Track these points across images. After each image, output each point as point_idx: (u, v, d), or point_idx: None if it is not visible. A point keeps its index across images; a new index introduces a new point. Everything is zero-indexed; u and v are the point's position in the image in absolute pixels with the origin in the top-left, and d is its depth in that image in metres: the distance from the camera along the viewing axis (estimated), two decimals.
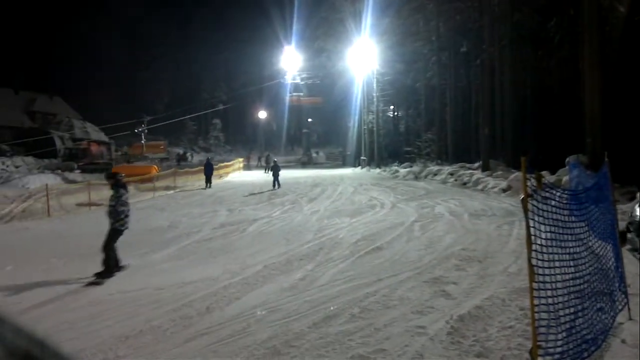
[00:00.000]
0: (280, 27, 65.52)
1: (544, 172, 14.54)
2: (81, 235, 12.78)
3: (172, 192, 24.62)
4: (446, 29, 34.45)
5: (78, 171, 35.82)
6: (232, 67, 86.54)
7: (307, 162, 62.55)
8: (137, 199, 21.74)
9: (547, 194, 4.38)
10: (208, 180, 26.85)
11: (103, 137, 47.67)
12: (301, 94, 64.04)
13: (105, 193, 21.57)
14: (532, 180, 3.76)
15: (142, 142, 50.68)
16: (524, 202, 3.51)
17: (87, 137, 46.45)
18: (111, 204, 8.47)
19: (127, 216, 8.49)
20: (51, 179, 28.38)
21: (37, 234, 13.59)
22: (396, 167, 35.92)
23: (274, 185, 24.85)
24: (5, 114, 51.39)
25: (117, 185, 8.63)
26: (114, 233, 8.35)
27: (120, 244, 8.50)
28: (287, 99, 64.94)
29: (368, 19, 40.02)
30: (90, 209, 18.97)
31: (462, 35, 33.08)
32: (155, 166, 29.24)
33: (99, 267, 8.71)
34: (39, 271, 8.78)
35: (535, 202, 3.92)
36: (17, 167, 35.23)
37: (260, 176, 35.35)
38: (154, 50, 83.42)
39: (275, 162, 29.05)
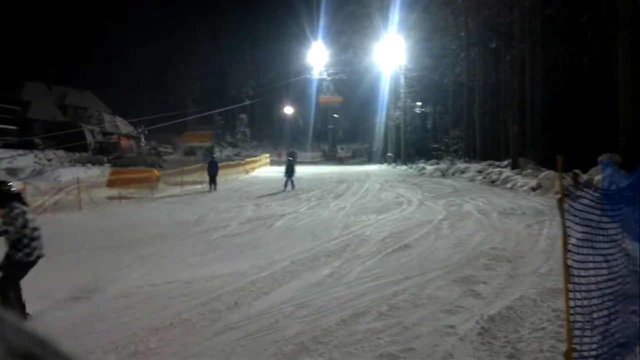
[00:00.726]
0: (307, 23, 65.47)
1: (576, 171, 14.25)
2: (112, 228, 13.01)
3: (199, 186, 24.83)
4: (475, 24, 34.00)
5: (108, 165, 36.40)
6: (259, 62, 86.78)
7: (332, 158, 62.61)
8: (166, 193, 22.08)
9: (582, 194, 4.27)
10: (212, 182, 22.89)
11: (132, 131, 48.35)
12: (327, 94, 64.50)
13: (136, 186, 22.01)
14: (568, 179, 3.66)
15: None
16: (560, 201, 3.42)
17: (116, 131, 47.16)
18: (2, 227, 5.92)
19: (33, 240, 6.11)
20: (82, 172, 28.92)
21: (68, 226, 13.85)
22: (423, 164, 35.65)
23: (285, 185, 21.71)
24: (38, 108, 52.59)
25: (7, 199, 6.05)
26: (15, 268, 5.98)
27: (151, 237, 8.60)
28: (316, 97, 65.57)
29: (396, 14, 39.82)
30: (120, 202, 19.29)
31: (491, 30, 32.58)
32: (156, 170, 25.35)
33: (130, 259, 8.86)
34: (71, 262, 8.96)
35: (569, 202, 3.82)
36: (49, 160, 36.00)
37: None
38: (183, 46, 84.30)
39: (291, 155, 28.52)
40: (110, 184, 21.99)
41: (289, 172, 22.07)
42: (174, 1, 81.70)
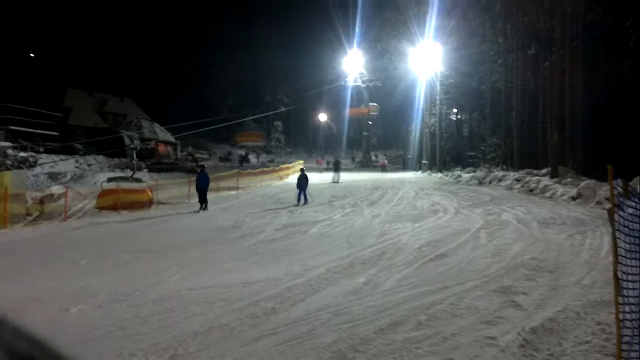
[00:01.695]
0: (343, 30, 65.64)
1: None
2: (150, 232, 13.24)
3: (234, 192, 25.12)
4: (514, 30, 33.48)
5: (146, 170, 37.13)
6: (293, 70, 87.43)
7: (366, 165, 62.57)
8: None
9: (627, 203, 4.16)
10: (202, 200, 18.81)
11: (170, 137, 49.25)
12: (358, 106, 65.03)
13: (171, 192, 22.38)
14: (618, 188, 3.57)
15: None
16: (610, 211, 3.34)
17: (154, 137, 48.10)
18: None
19: None
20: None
21: (108, 230, 14.18)
22: (459, 172, 35.24)
23: (298, 200, 19.44)
24: (79, 115, 54.16)
25: None
26: None
27: (188, 242, 8.72)
28: (350, 105, 65.92)
29: (433, 20, 39.57)
30: (157, 208, 19.61)
31: (530, 36, 32.01)
32: (149, 190, 20.15)
33: (168, 263, 9.02)
34: (111, 265, 9.16)
35: (617, 212, 3.72)
36: (89, 165, 36.93)
37: (322, 178, 35.56)
38: (219, 54, 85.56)
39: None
40: (100, 205, 18.65)
41: (302, 185, 19.71)
42: (210, 9, 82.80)
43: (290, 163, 44.92)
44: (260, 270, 8.40)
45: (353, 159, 73.62)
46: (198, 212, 18.08)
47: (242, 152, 70.06)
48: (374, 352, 4.78)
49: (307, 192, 19.69)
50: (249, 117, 71.16)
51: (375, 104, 64.32)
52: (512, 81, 34.30)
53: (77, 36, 66.05)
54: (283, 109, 75.31)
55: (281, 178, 34.96)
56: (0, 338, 0.82)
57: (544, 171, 26.22)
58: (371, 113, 65.30)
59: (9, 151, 30.46)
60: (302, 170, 20.82)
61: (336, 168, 32.94)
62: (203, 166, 21.69)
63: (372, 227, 13.13)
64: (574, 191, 19.03)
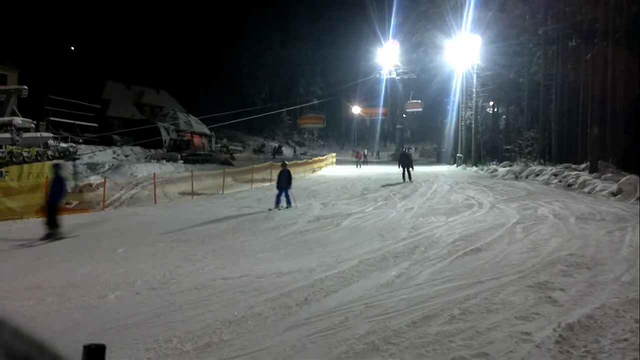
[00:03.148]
0: (378, 22, 65.24)
1: None
2: (184, 222, 13.46)
3: (267, 184, 25.31)
4: (554, 21, 32.67)
5: (181, 161, 37.71)
6: (328, 62, 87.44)
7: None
8: (236, 189, 22.64)
9: None
10: (50, 223, 11.39)
11: (205, 129, 49.85)
12: (375, 107, 65.51)
13: (206, 182, 22.72)
14: None
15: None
16: None
17: (190, 129, 48.74)
18: None
19: None
20: (157, 168, 30.12)
21: (144, 220, 14.49)
22: (494, 166, 34.69)
23: (277, 203, 16.18)
24: (117, 106, 55.35)
25: None
26: None
27: (223, 231, 8.84)
28: (384, 97, 66.06)
29: (470, 12, 38.92)
30: (192, 198, 19.93)
31: (572, 28, 31.20)
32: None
33: (202, 252, 9.18)
34: (147, 254, 9.37)
35: None
36: (126, 156, 37.68)
37: (355, 171, 35.54)
38: (254, 46, 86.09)
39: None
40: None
41: (283, 184, 16.46)
42: (246, 2, 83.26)
43: (323, 156, 44.96)
44: (293, 261, 8.47)
45: (378, 153, 73.79)
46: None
47: (276, 145, 70.47)
48: (407, 345, 4.77)
49: (289, 194, 16.41)
50: (283, 109, 71.59)
51: (418, 100, 63.84)
52: (552, 74, 33.52)
53: (115, 30, 67.46)
54: (316, 101, 75.38)
55: (314, 170, 35.06)
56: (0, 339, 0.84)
57: (582, 166, 25.61)
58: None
59: (50, 142, 31.31)
60: (283, 165, 17.37)
61: (405, 163, 25.24)
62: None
63: (404, 220, 13.06)
64: (614, 186, 18.53)
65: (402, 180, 24.40)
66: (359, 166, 39.11)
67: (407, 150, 28.64)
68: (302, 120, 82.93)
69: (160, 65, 70.58)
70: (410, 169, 25.18)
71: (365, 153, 51.75)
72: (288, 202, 16.35)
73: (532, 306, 5.89)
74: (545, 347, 4.65)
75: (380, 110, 71.82)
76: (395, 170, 27.17)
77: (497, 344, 4.75)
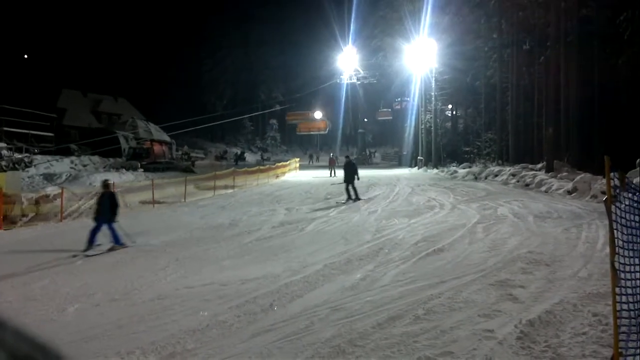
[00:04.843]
0: (338, 27, 65.40)
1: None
2: (146, 231, 13.19)
3: (231, 190, 25.10)
4: (509, 25, 33.52)
5: (141, 170, 37.03)
6: (289, 68, 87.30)
7: (362, 162, 62.53)
8: (198, 197, 22.35)
9: (629, 195, 4.16)
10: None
11: (165, 137, 49.13)
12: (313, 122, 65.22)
13: (167, 191, 22.35)
14: (615, 180, 3.58)
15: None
16: (607, 203, 3.35)
17: (150, 137, 47.95)
18: None
19: None
20: (116, 178, 29.48)
21: (104, 230, 14.10)
22: (455, 168, 35.31)
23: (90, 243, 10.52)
24: (73, 115, 53.95)
25: None
26: None
27: (185, 240, 8.72)
28: (345, 102, 66.59)
29: (427, 17, 39.56)
30: (154, 207, 19.58)
31: (525, 32, 32.06)
32: None
33: (165, 261, 9.02)
34: (108, 265, 9.16)
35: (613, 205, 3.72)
36: (84, 165, 36.78)
37: (318, 176, 35.55)
38: (214, 53, 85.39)
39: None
40: None
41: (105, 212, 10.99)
42: (206, 9, 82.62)
43: (287, 161, 44.89)
44: (258, 268, 8.40)
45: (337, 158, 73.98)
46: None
47: (238, 151, 69.92)
48: (372, 347, 4.78)
49: (113, 228, 10.94)
50: (244, 116, 71.03)
51: (388, 109, 65.16)
52: (507, 76, 34.39)
53: (70, 36, 65.92)
54: (278, 107, 75.17)
55: (277, 176, 34.97)
56: (1, 340, 0.82)
57: (539, 166, 26.31)
58: (323, 130, 65.79)
59: (4, 152, 30.31)
60: (105, 186, 11.75)
61: (349, 177, 18.71)
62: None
63: (368, 223, 13.14)
64: (569, 185, 19.09)
65: (347, 198, 18.42)
66: (333, 174, 34.93)
67: (351, 159, 21.52)
68: (290, 117, 78.18)
69: (119, 72, 69.29)
70: (356, 180, 18.99)
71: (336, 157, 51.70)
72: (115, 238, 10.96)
73: (494, 304, 5.99)
74: (507, 344, 4.73)
75: (323, 123, 70.63)
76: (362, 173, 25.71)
77: (461, 342, 4.81)
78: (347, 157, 21.57)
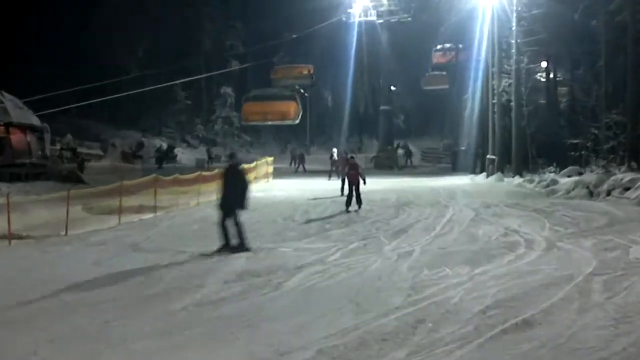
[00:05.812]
0: None
1: None
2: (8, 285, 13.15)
3: (150, 215, 25.03)
4: None
5: None
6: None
7: (387, 164, 62.35)
8: (92, 228, 22.24)
9: None
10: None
11: (33, 119, 48.93)
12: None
13: (36, 216, 22.28)
14: None
15: None
16: None
17: (4, 119, 47.84)
18: None
19: None
20: None
21: None
22: (552, 175, 35.42)
23: None
24: None
25: None
26: None
27: (68, 304, 8.65)
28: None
29: None
30: (10, 245, 19.49)
31: None
32: None
33: (30, 345, 8.99)
34: None
35: None
36: None
37: (307, 187, 35.55)
38: None
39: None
40: None
41: None
42: None
43: (251, 162, 44.65)
44: (198, 357, 8.36)
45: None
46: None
47: (163, 145, 69.61)
48: None
49: None
50: (175, 82, 70.50)
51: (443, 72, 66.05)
52: None
53: None
54: (237, 65, 75.12)
55: None
56: None
57: None
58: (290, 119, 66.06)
59: None
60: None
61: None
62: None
63: (397, 274, 13.17)
64: None
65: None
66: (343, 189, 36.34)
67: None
68: (277, 74, 75.77)
69: None
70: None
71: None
72: None
73: None
74: None
75: (283, 105, 66.57)
76: (382, 186, 27.08)
77: None
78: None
